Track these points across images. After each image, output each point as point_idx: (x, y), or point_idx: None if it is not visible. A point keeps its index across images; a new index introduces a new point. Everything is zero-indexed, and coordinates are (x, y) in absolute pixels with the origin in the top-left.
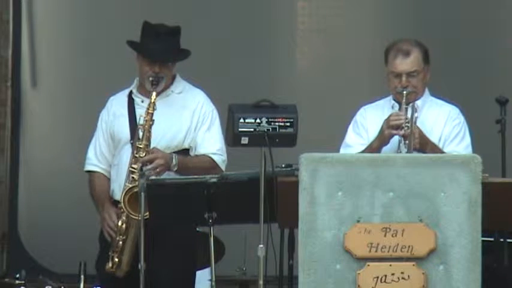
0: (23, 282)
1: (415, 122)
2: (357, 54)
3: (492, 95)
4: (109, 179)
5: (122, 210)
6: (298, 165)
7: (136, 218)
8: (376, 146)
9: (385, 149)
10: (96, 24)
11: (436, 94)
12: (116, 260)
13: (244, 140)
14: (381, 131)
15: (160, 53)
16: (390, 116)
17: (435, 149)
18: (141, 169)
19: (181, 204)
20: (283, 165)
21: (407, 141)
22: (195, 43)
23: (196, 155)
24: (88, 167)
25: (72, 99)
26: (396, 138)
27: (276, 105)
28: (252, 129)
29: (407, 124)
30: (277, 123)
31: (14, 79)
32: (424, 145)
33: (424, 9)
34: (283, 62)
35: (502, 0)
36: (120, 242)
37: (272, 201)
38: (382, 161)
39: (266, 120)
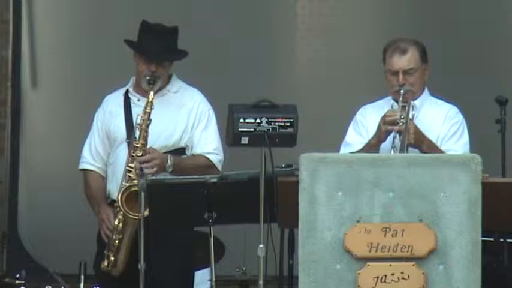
0: (23, 282)
1: (413, 120)
2: (357, 54)
3: (492, 95)
4: (104, 178)
5: (119, 209)
6: (298, 165)
7: (134, 217)
8: (374, 143)
9: (383, 145)
10: (96, 24)
11: (436, 94)
12: (112, 259)
13: (244, 140)
14: (378, 128)
15: (157, 52)
16: (386, 112)
17: (432, 146)
18: (141, 169)
19: (181, 204)
20: (283, 165)
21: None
22: (195, 43)
23: (193, 155)
24: (83, 166)
25: (72, 99)
26: (393, 135)
27: (276, 105)
28: (252, 129)
29: (402, 120)
30: (277, 123)
31: (14, 79)
32: (419, 141)
33: (424, 9)
34: (283, 62)
35: (502, 0)
36: (116, 241)
37: (272, 201)
38: (382, 161)
39: (266, 120)
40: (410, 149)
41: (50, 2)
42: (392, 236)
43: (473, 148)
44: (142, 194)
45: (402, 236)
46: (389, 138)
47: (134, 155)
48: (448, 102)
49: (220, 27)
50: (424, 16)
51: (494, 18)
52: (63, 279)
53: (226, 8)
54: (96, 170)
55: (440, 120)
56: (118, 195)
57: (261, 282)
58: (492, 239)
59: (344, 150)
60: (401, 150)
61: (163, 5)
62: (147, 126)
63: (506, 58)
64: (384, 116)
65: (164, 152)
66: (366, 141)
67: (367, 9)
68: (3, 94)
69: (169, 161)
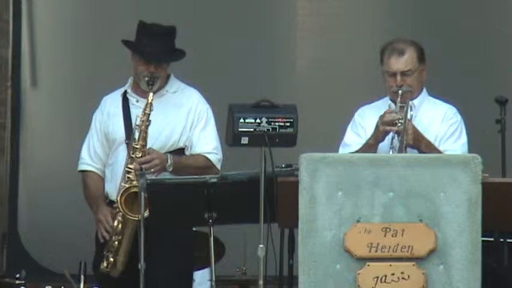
0: (23, 282)
1: (411, 120)
2: (357, 54)
3: (492, 95)
4: (103, 179)
5: (118, 210)
6: (298, 165)
7: (133, 218)
8: (372, 143)
9: (381, 146)
10: (96, 24)
11: (436, 94)
12: (111, 260)
13: (244, 140)
14: (376, 128)
15: (156, 54)
16: (385, 112)
17: (430, 146)
18: (141, 169)
19: (181, 204)
20: (283, 165)
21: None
22: (195, 43)
23: (192, 155)
24: (82, 167)
25: (72, 99)
26: (392, 135)
27: (276, 105)
28: (252, 129)
29: (401, 120)
30: (277, 123)
31: (14, 79)
32: (418, 142)
33: (424, 9)
34: (283, 62)
35: (502, 1)
36: (116, 242)
37: (272, 201)
38: (382, 161)
39: (266, 120)
40: (408, 149)
41: (50, 2)
42: (392, 236)
43: (473, 148)
44: (142, 194)
45: (402, 236)
46: (388, 139)
47: (133, 156)
48: (446, 102)
49: (220, 27)
50: (424, 16)
51: (494, 18)
52: (63, 279)
53: (226, 8)
54: (95, 170)
55: (438, 120)
56: (117, 197)
57: (261, 282)
58: (492, 239)
59: (343, 150)
60: (400, 151)
61: (164, 6)
62: (147, 127)
63: (506, 58)
64: (382, 116)
65: (164, 153)
66: (364, 141)
67: (367, 10)
68: (3, 94)
69: (169, 160)
